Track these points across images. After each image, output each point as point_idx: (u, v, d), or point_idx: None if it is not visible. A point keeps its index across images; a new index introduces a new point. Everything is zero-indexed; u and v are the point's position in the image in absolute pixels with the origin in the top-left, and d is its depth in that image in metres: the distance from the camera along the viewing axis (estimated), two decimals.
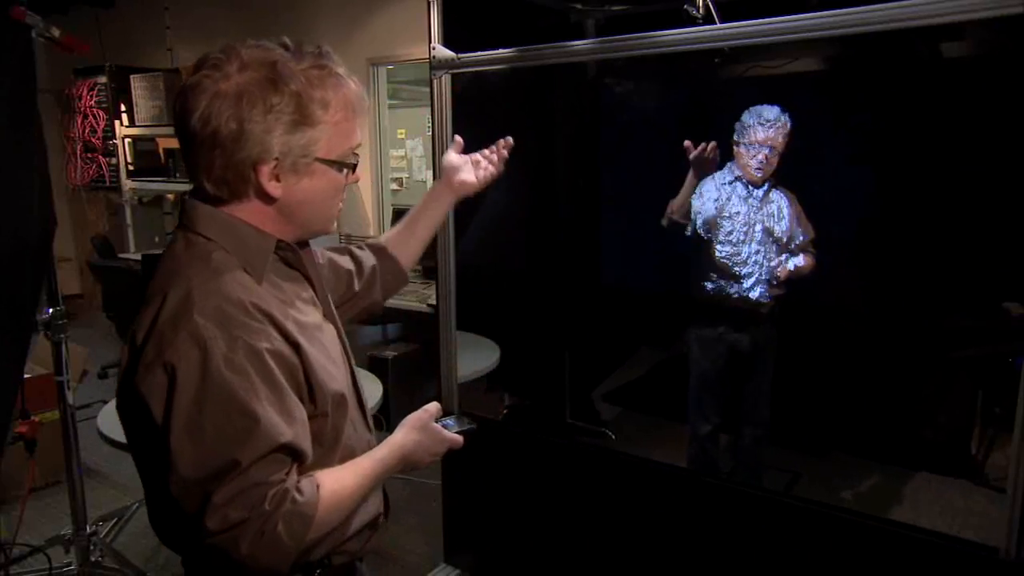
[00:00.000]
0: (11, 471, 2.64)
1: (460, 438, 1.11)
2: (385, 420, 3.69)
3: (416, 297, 3.45)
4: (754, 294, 2.36)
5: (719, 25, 1.55)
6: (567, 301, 3.04)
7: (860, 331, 2.70)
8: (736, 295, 2.37)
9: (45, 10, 1.82)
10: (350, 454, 1.00)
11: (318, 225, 1.00)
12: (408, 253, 1.34)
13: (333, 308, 1.09)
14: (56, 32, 1.74)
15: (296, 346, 0.92)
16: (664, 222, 2.49)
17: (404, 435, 1.06)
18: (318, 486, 0.90)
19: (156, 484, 0.87)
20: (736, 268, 2.35)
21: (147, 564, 2.55)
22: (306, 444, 0.90)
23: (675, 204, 2.45)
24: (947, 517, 2.49)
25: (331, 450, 0.98)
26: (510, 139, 1.40)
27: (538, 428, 2.87)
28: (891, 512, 2.49)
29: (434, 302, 2.33)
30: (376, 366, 3.57)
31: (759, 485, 2.49)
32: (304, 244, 1.04)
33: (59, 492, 2.85)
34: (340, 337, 1.07)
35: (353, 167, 0.98)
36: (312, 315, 1.01)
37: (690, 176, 2.41)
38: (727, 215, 2.35)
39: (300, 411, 0.90)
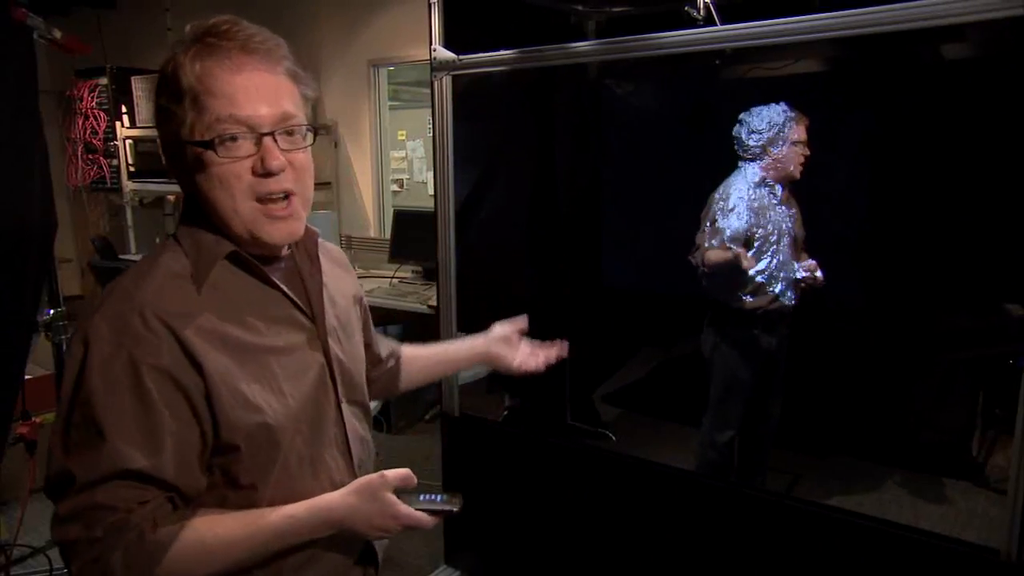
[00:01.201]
0: (11, 472, 2.64)
1: (423, 517, 0.92)
2: (385, 421, 3.69)
3: (417, 298, 3.45)
4: (785, 299, 2.31)
5: (719, 27, 1.55)
6: (568, 302, 3.03)
7: (860, 332, 2.70)
8: (772, 301, 2.31)
9: (46, 11, 1.83)
10: (289, 499, 0.88)
11: (223, 222, 0.89)
12: (411, 380, 1.27)
13: (329, 336, 0.97)
14: (57, 34, 1.75)
15: (199, 367, 0.82)
16: (693, 261, 2.41)
17: (340, 498, 0.90)
18: (182, 527, 0.81)
19: None
20: (774, 274, 2.29)
21: None
22: (182, 477, 0.81)
23: (710, 263, 2.31)
24: (948, 519, 2.48)
25: (253, 491, 0.87)
26: (565, 348, 1.32)
27: (539, 429, 2.87)
28: (892, 514, 2.49)
29: (435, 303, 2.33)
30: None
31: (761, 487, 2.49)
32: (315, 259, 0.97)
33: None
34: (328, 366, 0.95)
35: (210, 145, 0.84)
36: (272, 335, 0.89)
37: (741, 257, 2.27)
38: (760, 224, 2.26)
39: (178, 439, 0.81)
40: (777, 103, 2.25)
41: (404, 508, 0.91)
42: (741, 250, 2.23)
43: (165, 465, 0.80)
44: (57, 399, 0.82)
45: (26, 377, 2.19)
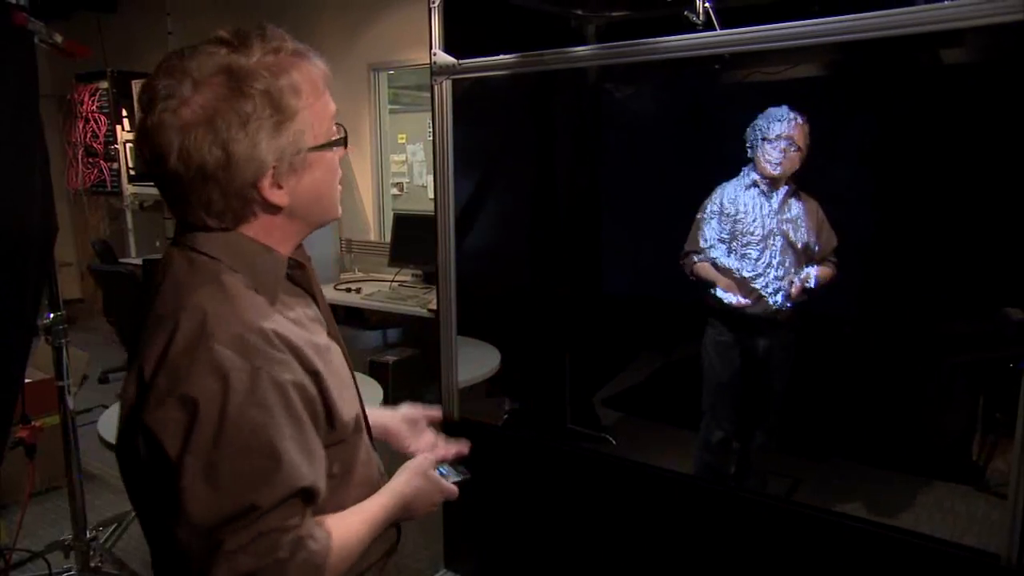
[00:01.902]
0: (11, 476, 2.63)
1: (456, 489, 1.06)
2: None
3: (417, 302, 3.45)
4: (772, 301, 2.32)
5: (719, 31, 1.55)
6: (568, 306, 3.04)
7: (860, 336, 2.70)
8: (752, 302, 2.34)
9: (47, 15, 1.83)
10: (365, 480, 0.96)
11: (328, 213, 0.93)
12: None
13: (336, 326, 1.02)
14: (58, 38, 1.75)
15: (315, 374, 0.85)
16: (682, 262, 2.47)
17: (407, 481, 1.00)
18: (329, 533, 0.85)
19: (161, 531, 0.79)
20: (752, 276, 2.32)
21: (147, 569, 2.54)
22: (323, 484, 0.84)
23: (696, 269, 2.42)
24: (948, 523, 2.48)
25: (346, 477, 0.93)
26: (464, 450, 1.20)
27: (539, 433, 2.87)
28: (892, 518, 2.49)
29: (435, 307, 2.33)
30: (376, 371, 3.56)
31: (762, 491, 2.49)
32: (303, 255, 0.98)
33: (59, 497, 2.85)
34: (346, 356, 1.00)
35: (343, 141, 0.91)
36: (320, 335, 0.94)
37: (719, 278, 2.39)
38: (742, 222, 2.32)
39: (320, 448, 0.84)
40: (779, 106, 2.26)
41: (447, 484, 1.04)
42: (722, 278, 2.36)
43: (320, 477, 0.83)
44: (183, 443, 0.75)
45: (26, 380, 2.18)
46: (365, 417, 1.02)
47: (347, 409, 0.91)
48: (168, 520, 0.76)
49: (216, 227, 0.85)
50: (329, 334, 0.98)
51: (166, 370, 0.77)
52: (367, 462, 0.98)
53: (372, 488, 0.98)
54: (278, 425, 0.78)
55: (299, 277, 0.95)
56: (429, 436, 1.20)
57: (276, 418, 0.78)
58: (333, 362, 0.93)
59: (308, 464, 0.80)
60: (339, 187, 0.94)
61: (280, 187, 0.85)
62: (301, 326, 0.90)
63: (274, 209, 0.86)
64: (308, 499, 0.82)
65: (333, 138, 0.89)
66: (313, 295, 0.98)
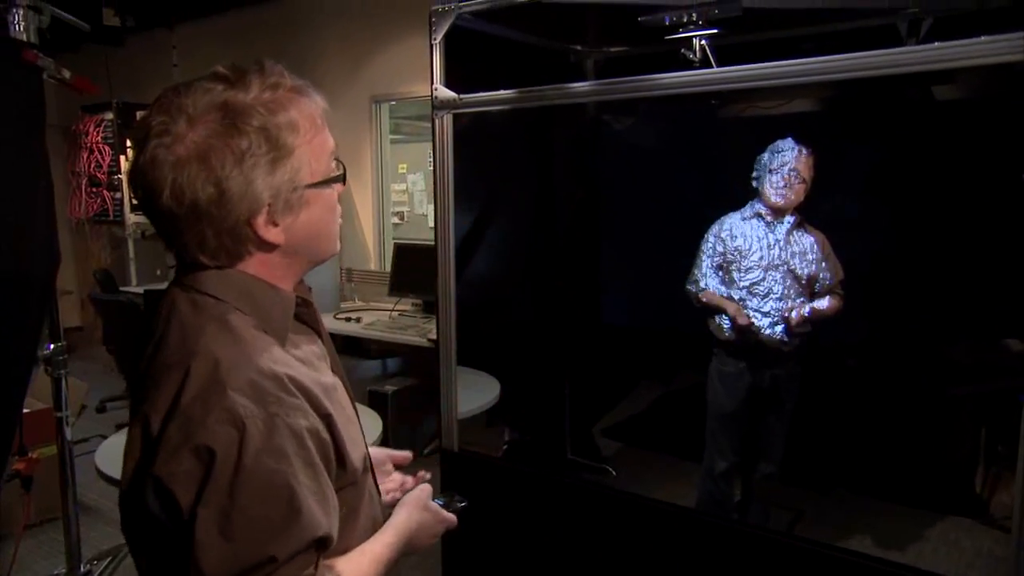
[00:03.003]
0: (6, 507, 2.61)
1: (455, 518, 1.06)
2: None
3: (416, 331, 3.45)
4: (775, 332, 2.32)
5: (715, 69, 1.58)
6: (568, 337, 3.04)
7: (861, 366, 2.69)
8: (756, 333, 2.33)
9: (56, 48, 1.87)
10: (370, 520, 0.95)
11: (326, 250, 0.92)
12: None
13: (338, 361, 1.00)
14: (67, 74, 1.78)
15: (327, 417, 0.84)
16: (688, 287, 2.48)
17: (408, 515, 0.99)
18: None
19: None
20: (754, 306, 2.32)
21: None
22: (336, 531, 0.82)
23: (703, 296, 2.42)
24: (954, 557, 2.45)
25: (352, 518, 0.91)
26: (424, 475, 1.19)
27: (539, 464, 2.85)
28: (895, 551, 2.46)
29: (434, 336, 2.33)
30: (376, 400, 3.55)
31: (764, 525, 2.46)
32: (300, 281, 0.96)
33: (54, 529, 2.82)
34: (348, 391, 0.99)
35: (342, 178, 0.90)
36: (327, 373, 0.93)
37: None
38: (746, 253, 2.33)
39: (333, 495, 0.83)
40: (784, 138, 2.29)
41: (446, 513, 1.04)
42: (730, 304, 2.35)
43: (334, 524, 0.81)
44: (197, 495, 0.72)
45: (24, 410, 2.18)
46: (369, 456, 1.00)
47: (355, 450, 0.90)
48: (178, 574, 0.73)
49: (212, 265, 0.83)
50: (332, 370, 0.97)
51: (178, 420, 0.75)
52: (371, 501, 0.97)
53: (376, 527, 0.97)
54: (295, 473, 0.76)
55: (304, 314, 0.94)
56: (396, 477, 1.17)
57: (293, 466, 0.76)
58: (340, 401, 0.92)
59: (324, 512, 0.79)
60: (339, 222, 0.93)
61: (276, 224, 0.83)
62: (310, 366, 0.89)
63: (269, 247, 0.84)
64: (321, 547, 0.80)
65: (332, 175, 0.88)
66: (318, 331, 0.97)
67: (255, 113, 0.80)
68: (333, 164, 0.89)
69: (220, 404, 0.74)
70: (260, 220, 0.82)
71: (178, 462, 0.73)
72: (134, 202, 5.12)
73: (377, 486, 1.03)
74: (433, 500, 1.06)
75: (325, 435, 0.83)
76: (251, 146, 0.79)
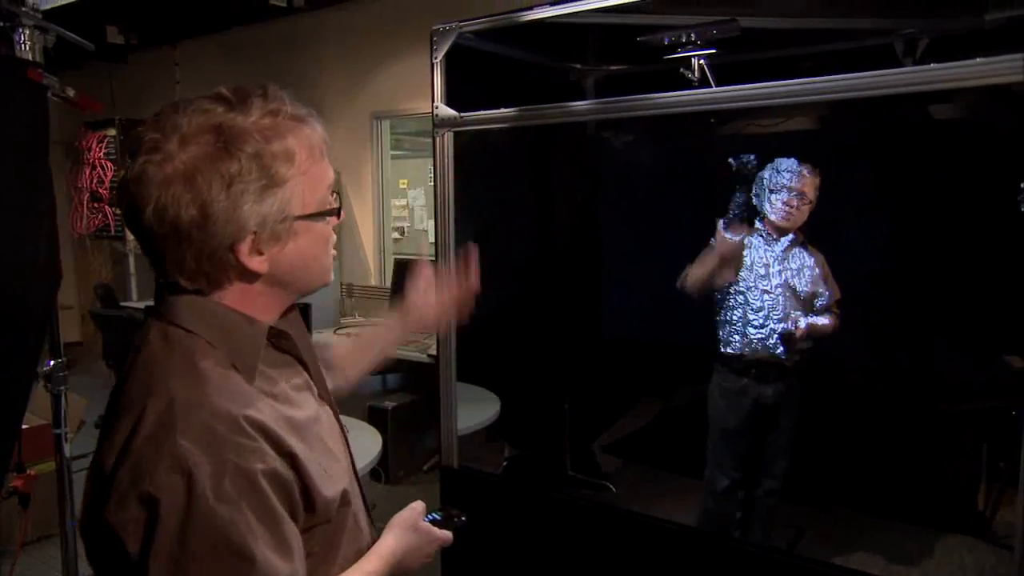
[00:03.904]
0: (3, 524, 2.60)
1: (450, 535, 1.02)
2: (383, 472, 3.65)
3: (416, 347, 3.45)
4: (776, 350, 2.31)
5: (714, 88, 1.60)
6: (568, 353, 3.04)
7: (862, 384, 2.69)
8: (756, 350, 2.33)
9: (60, 65, 1.88)
10: (352, 554, 0.90)
11: (316, 281, 0.89)
12: (359, 370, 1.24)
13: (328, 387, 0.98)
14: (71, 92, 1.79)
15: (291, 457, 0.79)
16: (678, 284, 2.42)
17: (396, 539, 0.95)
18: None
19: None
20: (753, 323, 2.32)
21: None
22: (303, 571, 0.79)
23: (691, 278, 2.36)
24: None
25: (329, 555, 0.87)
26: (474, 251, 1.33)
27: (538, 480, 2.84)
28: (898, 570, 2.44)
29: (434, 352, 2.33)
30: (375, 416, 3.55)
31: (765, 543, 2.45)
32: (291, 308, 0.92)
33: (51, 546, 2.80)
34: (337, 419, 0.96)
35: (337, 211, 0.87)
36: (306, 405, 0.89)
37: (717, 256, 2.32)
38: (744, 269, 2.32)
39: (296, 539, 0.79)
40: (787, 158, 2.29)
41: (438, 531, 1.00)
42: (717, 251, 2.30)
43: (299, 567, 0.78)
44: (144, 545, 0.71)
45: (23, 426, 2.17)
46: (360, 484, 0.97)
47: (330, 487, 0.85)
48: None
49: (190, 288, 0.81)
50: (320, 396, 0.94)
51: (128, 463, 0.73)
52: (354, 535, 0.92)
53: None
54: (247, 521, 0.73)
55: (286, 345, 0.90)
56: (438, 299, 1.27)
57: (244, 514, 0.73)
58: (319, 434, 0.88)
59: (283, 558, 0.75)
60: (332, 254, 0.89)
61: (261, 253, 0.81)
62: (281, 401, 0.85)
63: (252, 276, 0.82)
64: None
65: (326, 207, 0.85)
66: (302, 359, 0.93)
67: (250, 139, 0.78)
68: (331, 196, 0.86)
69: (169, 451, 0.72)
70: (244, 247, 0.79)
71: (126, 509, 0.71)
72: None
73: (370, 515, 0.99)
74: (429, 515, 1.02)
75: (287, 475, 0.78)
76: (241, 171, 0.77)
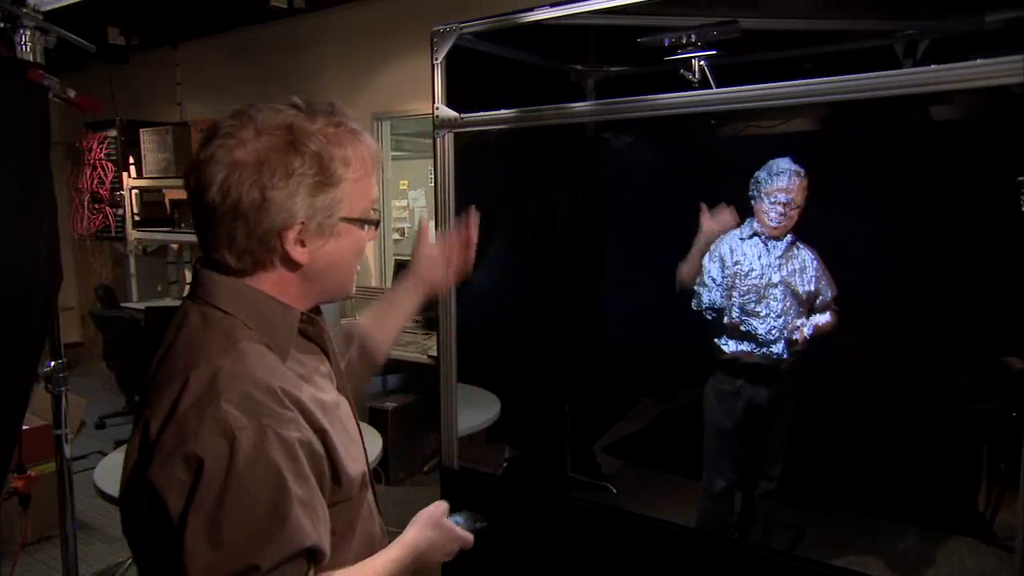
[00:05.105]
0: (3, 525, 2.60)
1: (471, 537, 1.06)
2: (384, 472, 3.64)
3: (417, 348, 3.45)
4: (774, 350, 2.32)
5: (714, 90, 1.60)
6: (568, 354, 3.04)
7: (863, 386, 2.69)
8: (754, 352, 2.33)
9: (60, 66, 1.88)
10: (366, 537, 0.95)
11: (339, 289, 0.96)
12: (389, 335, 1.29)
13: (346, 381, 1.03)
14: (72, 93, 1.79)
15: (322, 432, 0.86)
16: (677, 288, 2.45)
17: (417, 533, 1.01)
18: None
19: None
20: (753, 325, 2.32)
21: None
22: (327, 543, 0.83)
23: (684, 270, 2.40)
24: None
25: (347, 535, 0.92)
26: (474, 213, 1.37)
27: (539, 482, 2.84)
28: (899, 571, 2.44)
29: (435, 353, 2.33)
30: (376, 417, 3.55)
31: (765, 544, 2.44)
32: (317, 311, 0.99)
33: (51, 547, 2.80)
34: (354, 410, 1.01)
35: (376, 223, 0.95)
36: (330, 391, 0.95)
37: (702, 239, 2.38)
38: (743, 272, 2.33)
39: (324, 510, 0.84)
40: (779, 159, 2.29)
41: (461, 531, 1.05)
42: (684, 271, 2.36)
43: (324, 537, 0.82)
44: (187, 503, 0.75)
45: (23, 427, 2.17)
46: (371, 473, 1.02)
47: (353, 466, 0.91)
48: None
49: (234, 267, 0.88)
50: (339, 388, 0.99)
51: (173, 427, 0.78)
52: (369, 519, 0.97)
53: (373, 545, 0.97)
54: (284, 484, 0.78)
55: (312, 332, 0.97)
56: (447, 257, 1.31)
57: (282, 478, 0.78)
58: (341, 418, 0.94)
59: (312, 524, 0.80)
60: (357, 267, 0.97)
61: (303, 245, 0.88)
62: (311, 383, 0.91)
63: (292, 265, 0.89)
64: (313, 559, 0.81)
65: (368, 217, 0.93)
66: (326, 350, 0.99)
67: (315, 139, 0.86)
68: (372, 211, 0.94)
69: (213, 415, 0.77)
70: (290, 235, 0.87)
71: (170, 469, 0.76)
72: (136, 218, 5.14)
73: (378, 504, 1.03)
74: (452, 517, 1.06)
75: (319, 448, 0.84)
76: (303, 166, 0.85)
